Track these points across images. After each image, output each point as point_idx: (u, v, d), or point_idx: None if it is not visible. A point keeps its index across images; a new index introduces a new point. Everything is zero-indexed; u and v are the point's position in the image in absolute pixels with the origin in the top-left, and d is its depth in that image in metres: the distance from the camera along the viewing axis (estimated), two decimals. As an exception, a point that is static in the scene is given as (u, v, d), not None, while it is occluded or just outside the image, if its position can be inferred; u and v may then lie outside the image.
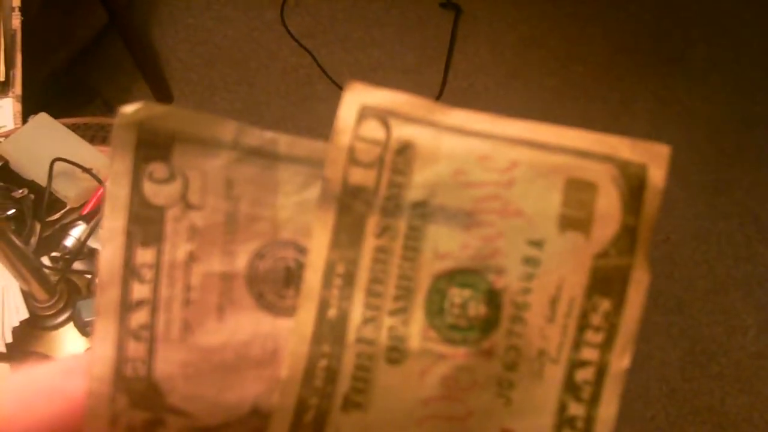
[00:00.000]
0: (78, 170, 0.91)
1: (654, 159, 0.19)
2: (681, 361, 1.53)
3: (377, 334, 0.18)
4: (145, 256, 0.19)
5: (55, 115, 0.97)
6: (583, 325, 0.19)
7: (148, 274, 0.19)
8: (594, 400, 0.19)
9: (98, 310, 0.18)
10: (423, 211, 0.19)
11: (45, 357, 0.84)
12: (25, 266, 0.80)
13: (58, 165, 0.89)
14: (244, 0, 2.01)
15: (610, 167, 0.19)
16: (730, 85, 1.89)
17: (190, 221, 0.19)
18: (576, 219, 0.19)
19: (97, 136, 1.00)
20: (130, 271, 0.19)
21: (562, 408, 0.19)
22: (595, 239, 0.19)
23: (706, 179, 1.75)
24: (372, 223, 0.19)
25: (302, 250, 0.19)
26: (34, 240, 0.88)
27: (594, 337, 0.19)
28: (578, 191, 0.19)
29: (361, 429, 0.18)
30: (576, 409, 0.19)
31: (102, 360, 0.18)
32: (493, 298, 0.19)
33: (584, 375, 0.19)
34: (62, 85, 1.71)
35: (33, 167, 0.91)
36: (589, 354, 0.19)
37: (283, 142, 0.20)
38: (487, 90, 1.83)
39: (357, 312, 0.19)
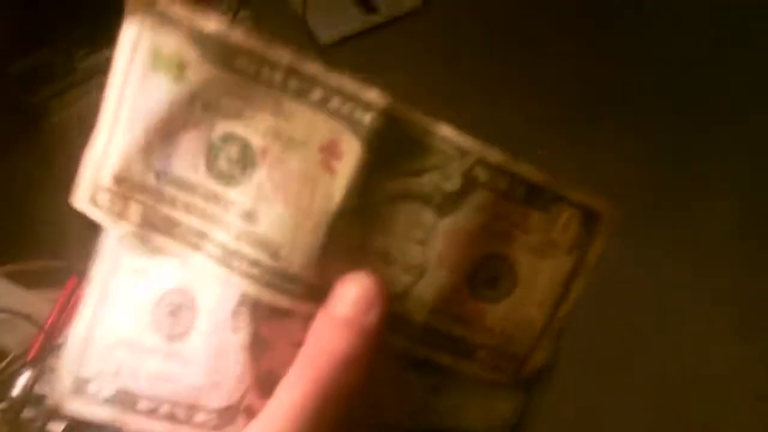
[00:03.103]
0: (17, 318, 0.92)
1: None
2: (644, 398, 1.56)
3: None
4: (142, 405, 0.27)
5: (-11, 266, 0.98)
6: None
7: (153, 406, 0.27)
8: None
9: None
10: None
11: None
12: (-27, 424, 0.79)
13: (-4, 316, 0.90)
14: (171, 121, 2.06)
15: None
16: (653, 126, 1.98)
17: (130, 383, 0.27)
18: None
19: (33, 281, 1.01)
20: (149, 414, 0.27)
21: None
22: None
23: (633, 217, 1.81)
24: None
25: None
26: (-21, 395, 0.88)
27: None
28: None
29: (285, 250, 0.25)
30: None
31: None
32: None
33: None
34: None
35: (-29, 323, 0.91)
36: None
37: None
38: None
39: (222, 237, 0.26)
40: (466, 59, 2.10)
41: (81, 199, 0.28)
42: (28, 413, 0.86)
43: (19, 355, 0.92)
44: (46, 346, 0.91)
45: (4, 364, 0.92)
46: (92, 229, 0.28)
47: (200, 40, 0.24)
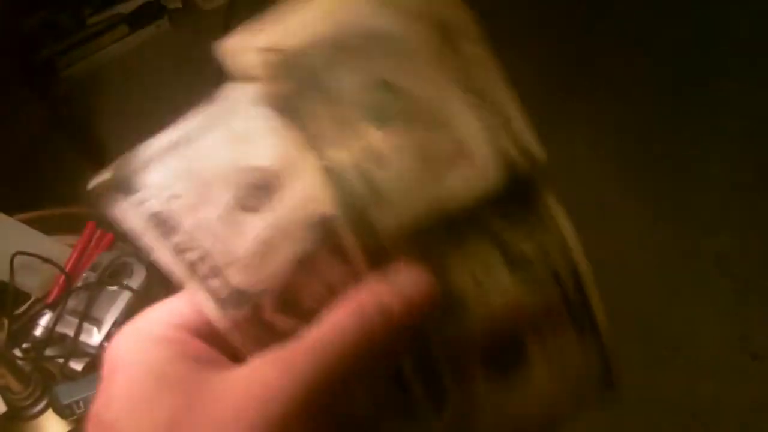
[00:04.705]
0: (38, 261, 0.94)
1: None
2: (646, 359, 1.59)
3: (361, 157, 0.26)
4: (177, 238, 0.27)
5: (9, 212, 1.01)
6: (448, 60, 0.27)
7: (186, 244, 0.27)
8: (490, 93, 0.27)
9: (181, 281, 0.27)
10: (321, 75, 0.27)
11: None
12: (-1, 361, 0.83)
13: (18, 259, 0.93)
14: (180, 78, 2.07)
15: None
16: (652, 94, 1.99)
17: (180, 204, 0.27)
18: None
19: (51, 227, 1.04)
20: (177, 251, 0.27)
21: (477, 111, 0.27)
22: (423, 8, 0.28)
23: (641, 186, 1.83)
24: (303, 107, 0.27)
25: (251, 169, 0.27)
26: (3, 335, 0.91)
27: (456, 59, 0.27)
28: None
29: (390, 210, 0.26)
30: (484, 108, 0.27)
31: (205, 302, 0.26)
32: (390, 87, 0.27)
33: (472, 84, 0.27)
34: (12, 184, 1.73)
35: (-6, 265, 0.94)
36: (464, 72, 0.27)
37: (186, 126, 0.29)
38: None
39: (342, 155, 0.26)
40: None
41: (228, 45, 0.28)
42: (50, 352, 0.89)
43: (41, 297, 0.95)
44: (66, 288, 0.93)
45: (26, 306, 0.95)
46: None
47: None
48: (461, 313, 0.27)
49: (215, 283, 0.26)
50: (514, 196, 0.27)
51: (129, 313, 0.90)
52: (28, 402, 0.86)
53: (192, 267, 0.26)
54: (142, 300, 0.91)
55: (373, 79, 0.27)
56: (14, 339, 0.91)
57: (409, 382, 0.27)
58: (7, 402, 0.84)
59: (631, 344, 1.59)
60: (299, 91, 0.27)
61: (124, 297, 0.91)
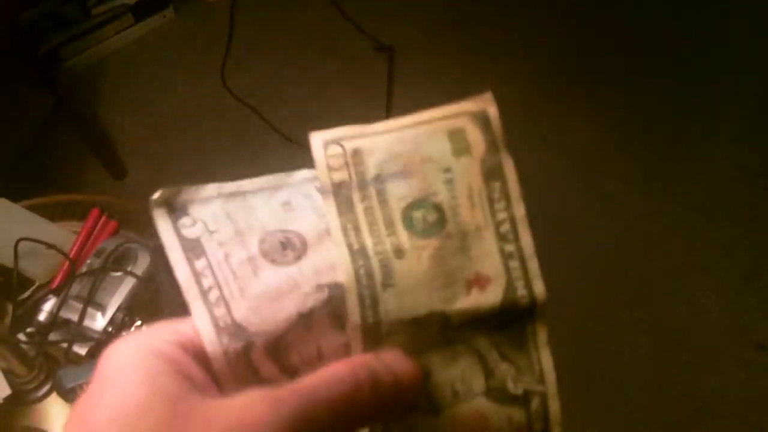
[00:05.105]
0: (42, 247, 0.95)
1: (487, 102, 0.32)
2: (650, 351, 1.59)
3: (384, 247, 0.31)
4: (200, 264, 0.30)
5: (14, 198, 1.01)
6: (491, 200, 0.32)
7: (207, 272, 0.30)
8: (516, 238, 0.32)
9: (189, 302, 0.30)
10: (380, 179, 0.32)
11: (33, 430, 0.87)
12: (3, 346, 0.83)
13: (22, 245, 0.93)
14: (184, 68, 2.07)
15: (467, 117, 0.32)
16: (657, 83, 1.98)
17: (215, 239, 0.31)
18: (462, 148, 0.32)
19: (56, 214, 1.04)
20: (196, 274, 0.30)
21: (501, 249, 0.31)
22: (476, 154, 0.32)
23: (645, 174, 1.83)
24: (355, 196, 0.31)
25: (285, 231, 0.32)
26: (7, 320, 0.91)
27: (499, 204, 0.32)
28: (457, 135, 0.32)
29: (396, 296, 0.30)
30: (509, 247, 0.32)
31: (205, 324, 0.29)
32: (437, 207, 0.31)
33: (505, 227, 0.32)
34: (17, 171, 1.74)
35: (-1, 251, 0.94)
36: (502, 214, 0.32)
37: (245, 183, 0.33)
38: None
39: (369, 241, 0.31)
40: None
41: (320, 136, 0.32)
42: (54, 337, 0.90)
43: (45, 283, 0.96)
44: (70, 274, 0.94)
45: (30, 291, 0.95)
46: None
47: None
48: (431, 418, 0.31)
49: (220, 311, 0.30)
50: (509, 322, 0.31)
51: (132, 298, 0.91)
52: (32, 386, 0.86)
53: (204, 292, 0.30)
54: (145, 286, 0.92)
55: (424, 197, 0.31)
56: (19, 324, 0.91)
57: None
58: (11, 386, 0.84)
59: (635, 337, 1.60)
60: (358, 184, 0.31)
61: (128, 283, 0.91)
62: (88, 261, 0.94)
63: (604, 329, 1.61)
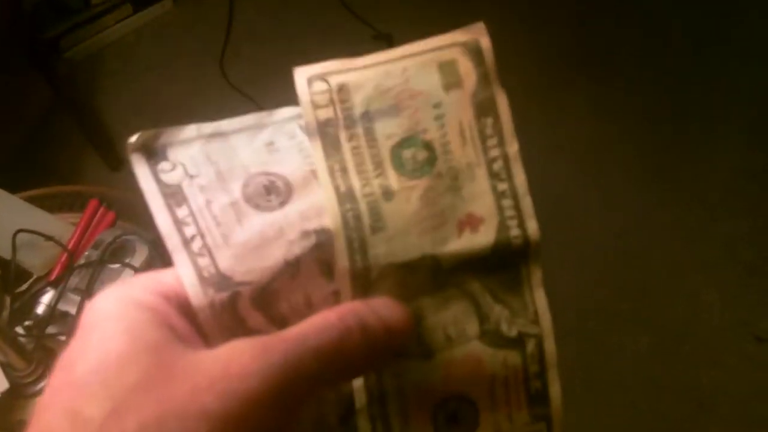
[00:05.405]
0: (40, 239, 0.94)
1: (479, 32, 0.31)
2: (652, 346, 1.58)
3: (373, 189, 0.29)
4: (182, 211, 0.29)
5: (12, 190, 1.00)
6: (483, 137, 0.30)
7: (188, 219, 0.29)
8: (509, 176, 0.30)
9: (172, 252, 0.28)
10: (367, 116, 0.30)
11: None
12: (0, 339, 0.82)
13: (20, 237, 0.92)
14: (183, 58, 2.06)
15: (459, 48, 0.31)
16: (661, 77, 1.97)
17: (196, 183, 0.29)
18: (452, 82, 0.30)
19: (54, 205, 1.03)
20: (178, 223, 0.29)
21: (494, 188, 0.30)
22: (467, 87, 0.30)
23: (647, 168, 1.82)
24: (342, 135, 0.30)
25: (268, 174, 0.30)
26: (5, 313, 0.91)
27: (491, 140, 0.30)
28: (447, 67, 0.31)
29: (385, 240, 0.29)
30: (502, 186, 0.30)
31: (189, 275, 0.28)
32: (427, 145, 0.30)
33: (497, 165, 0.30)
34: (15, 162, 1.73)
35: (-4, 242, 0.93)
36: (494, 151, 0.30)
37: (226, 123, 0.31)
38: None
39: (356, 183, 0.29)
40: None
41: (304, 72, 0.31)
42: (52, 330, 0.89)
43: (43, 275, 0.95)
44: (68, 266, 0.93)
45: (28, 283, 0.95)
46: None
47: None
48: (423, 362, 0.30)
49: (204, 261, 0.28)
50: (502, 264, 0.30)
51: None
52: (30, 379, 0.85)
53: (187, 241, 0.29)
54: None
55: (413, 135, 0.30)
56: (16, 317, 0.90)
57: (358, 422, 0.29)
58: (9, 379, 0.83)
59: (636, 333, 1.59)
60: (344, 122, 0.30)
61: (126, 275, 0.90)
62: (86, 253, 0.93)
63: (605, 324, 1.60)
